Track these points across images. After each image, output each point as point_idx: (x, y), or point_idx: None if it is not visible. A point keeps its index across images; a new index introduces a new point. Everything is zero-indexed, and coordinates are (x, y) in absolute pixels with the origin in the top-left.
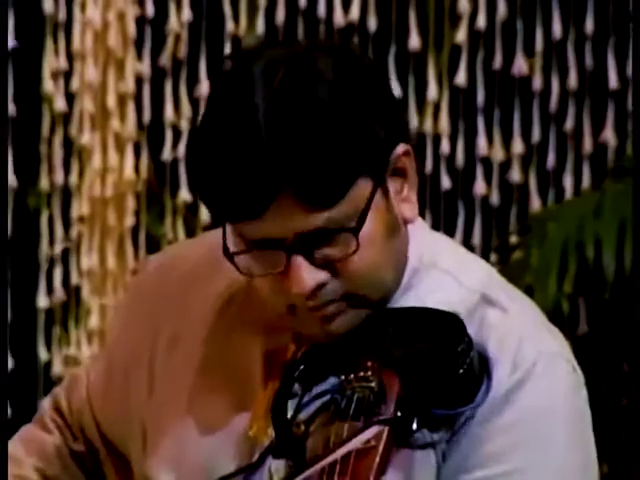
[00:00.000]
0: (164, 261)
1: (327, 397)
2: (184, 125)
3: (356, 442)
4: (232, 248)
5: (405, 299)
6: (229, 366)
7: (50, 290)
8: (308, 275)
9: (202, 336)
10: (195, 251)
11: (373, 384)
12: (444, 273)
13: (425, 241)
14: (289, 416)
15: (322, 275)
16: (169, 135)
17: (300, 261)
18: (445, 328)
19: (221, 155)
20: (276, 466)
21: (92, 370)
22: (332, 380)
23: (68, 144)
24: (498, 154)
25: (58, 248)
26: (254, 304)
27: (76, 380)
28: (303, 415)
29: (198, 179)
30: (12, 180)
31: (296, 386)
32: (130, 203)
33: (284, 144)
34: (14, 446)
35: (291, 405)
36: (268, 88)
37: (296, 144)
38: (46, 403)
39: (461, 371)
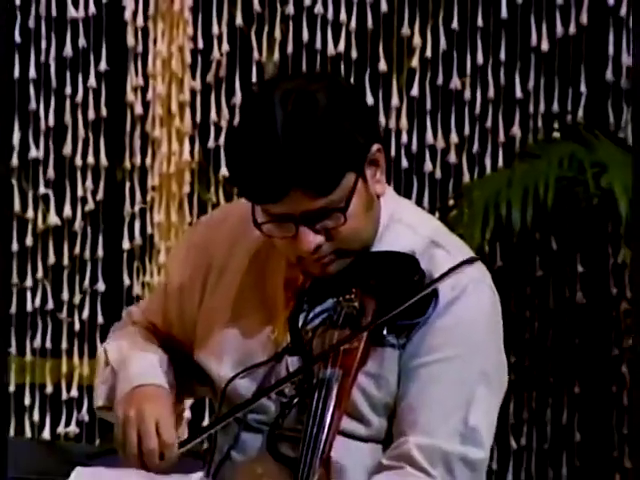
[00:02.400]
0: (217, 216)
1: (326, 314)
2: (223, 124)
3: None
4: (259, 219)
5: (380, 245)
6: (261, 290)
7: (131, 237)
8: (310, 239)
9: (243, 268)
10: (238, 210)
11: (356, 304)
12: (406, 226)
13: (393, 204)
14: (300, 325)
15: (320, 238)
16: (213, 131)
17: (305, 229)
18: (405, 265)
19: (250, 159)
20: (291, 361)
21: (148, 303)
22: (329, 302)
23: (144, 136)
24: (440, 143)
25: (137, 208)
26: (278, 250)
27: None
28: (310, 326)
29: (234, 176)
30: (104, 160)
31: (305, 305)
32: (187, 177)
33: (295, 152)
34: (118, 334)
35: (301, 318)
36: (284, 111)
37: (303, 152)
38: (124, 317)
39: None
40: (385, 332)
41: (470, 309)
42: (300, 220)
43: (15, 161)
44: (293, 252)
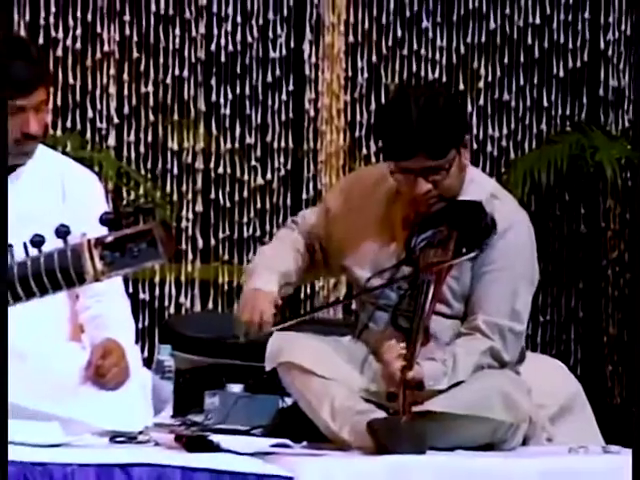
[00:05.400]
0: (359, 173)
1: (427, 240)
2: (364, 122)
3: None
4: (392, 170)
5: (463, 196)
6: (390, 221)
7: (307, 192)
8: (424, 186)
9: (381, 206)
10: (374, 170)
11: (445, 233)
12: (477, 184)
13: (472, 171)
14: (412, 246)
15: (429, 186)
16: (358, 127)
17: (421, 180)
18: (476, 208)
19: (394, 134)
20: (405, 269)
21: (310, 212)
22: (429, 232)
23: (316, 130)
24: (497, 134)
25: (311, 174)
26: (400, 198)
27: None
28: (418, 248)
29: (384, 142)
30: (291, 144)
31: (415, 234)
32: (341, 155)
33: (423, 132)
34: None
35: (413, 241)
36: (417, 106)
37: (427, 132)
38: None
39: (483, 225)
40: (464, 250)
41: (516, 236)
42: (418, 173)
43: (237, 145)
44: (411, 193)
